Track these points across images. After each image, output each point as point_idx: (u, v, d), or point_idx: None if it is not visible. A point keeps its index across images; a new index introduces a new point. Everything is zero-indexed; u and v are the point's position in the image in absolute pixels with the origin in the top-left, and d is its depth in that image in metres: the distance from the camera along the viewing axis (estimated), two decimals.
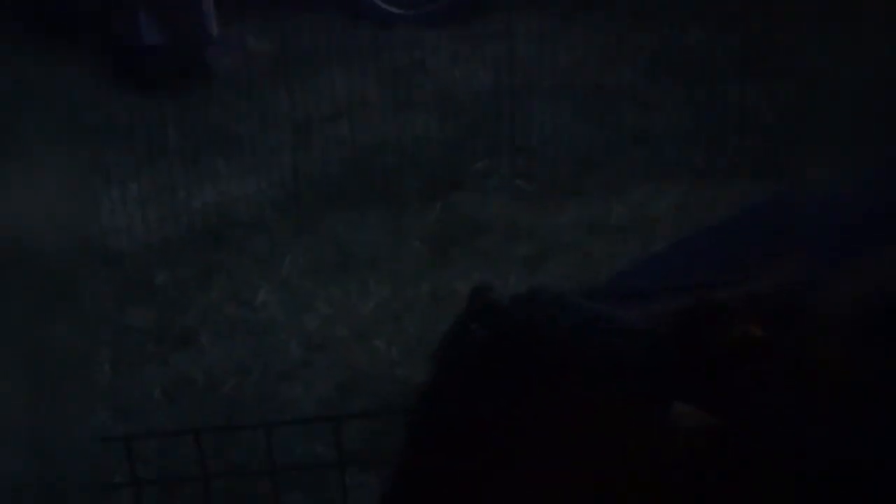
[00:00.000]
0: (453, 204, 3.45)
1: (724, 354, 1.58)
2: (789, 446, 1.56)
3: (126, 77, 4.29)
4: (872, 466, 1.44)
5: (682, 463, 1.72)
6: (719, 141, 3.57)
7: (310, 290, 3.11)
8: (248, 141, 3.88)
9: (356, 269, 3.19)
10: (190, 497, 2.04)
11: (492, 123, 3.85)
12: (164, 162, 3.77)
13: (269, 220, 3.47)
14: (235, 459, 2.33)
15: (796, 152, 3.18)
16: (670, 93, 3.91)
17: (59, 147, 3.76)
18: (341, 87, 4.20)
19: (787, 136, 3.36)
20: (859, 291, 1.50)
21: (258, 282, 3.16)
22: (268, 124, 3.98)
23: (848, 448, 1.49)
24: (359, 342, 2.87)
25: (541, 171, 3.58)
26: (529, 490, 1.79)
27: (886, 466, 1.40)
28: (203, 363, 2.87)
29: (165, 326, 3.04)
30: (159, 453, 2.29)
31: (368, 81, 4.25)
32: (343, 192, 3.58)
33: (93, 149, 3.85)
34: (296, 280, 3.16)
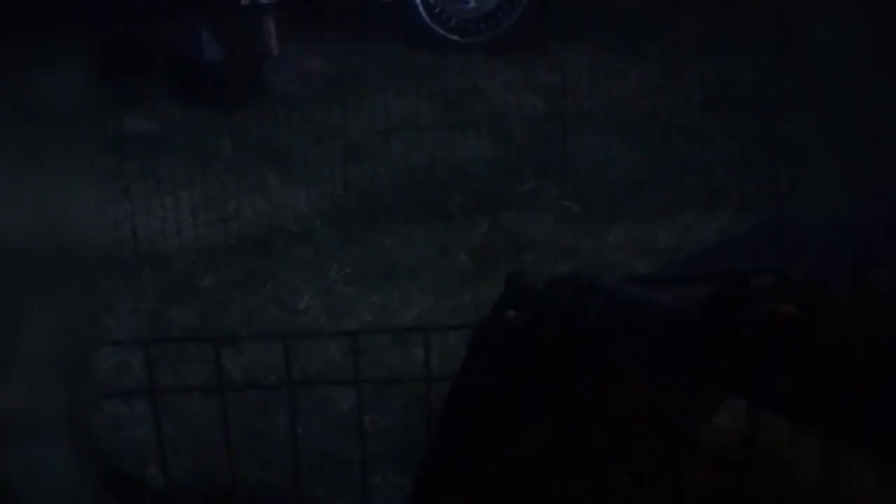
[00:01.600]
0: (499, 221, 3.46)
1: (757, 332, 1.57)
2: (821, 422, 1.54)
3: (186, 91, 4.37)
4: None
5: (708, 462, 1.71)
6: (769, 171, 3.56)
7: (352, 298, 3.13)
8: (301, 155, 3.92)
9: (400, 279, 3.21)
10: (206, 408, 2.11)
11: (542, 147, 3.87)
12: (217, 172, 3.83)
13: (317, 231, 3.51)
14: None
15: (842, 182, 3.17)
16: (722, 123, 3.91)
17: (115, 156, 3.84)
18: (395, 108, 4.25)
19: (834, 166, 3.34)
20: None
21: (302, 287, 3.19)
22: (321, 140, 4.03)
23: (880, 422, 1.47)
24: (398, 348, 2.88)
25: (588, 193, 3.59)
26: (557, 471, 1.78)
27: None
28: (242, 362, 2.89)
29: (207, 326, 3.07)
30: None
31: (423, 104, 4.29)
32: (391, 206, 3.61)
33: (148, 158, 3.91)
34: (339, 287, 3.18)
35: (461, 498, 1.65)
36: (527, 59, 4.52)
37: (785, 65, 3.98)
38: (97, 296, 2.98)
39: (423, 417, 2.16)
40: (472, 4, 4.69)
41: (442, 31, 4.71)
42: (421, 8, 4.69)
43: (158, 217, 3.55)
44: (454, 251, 3.33)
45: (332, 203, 3.65)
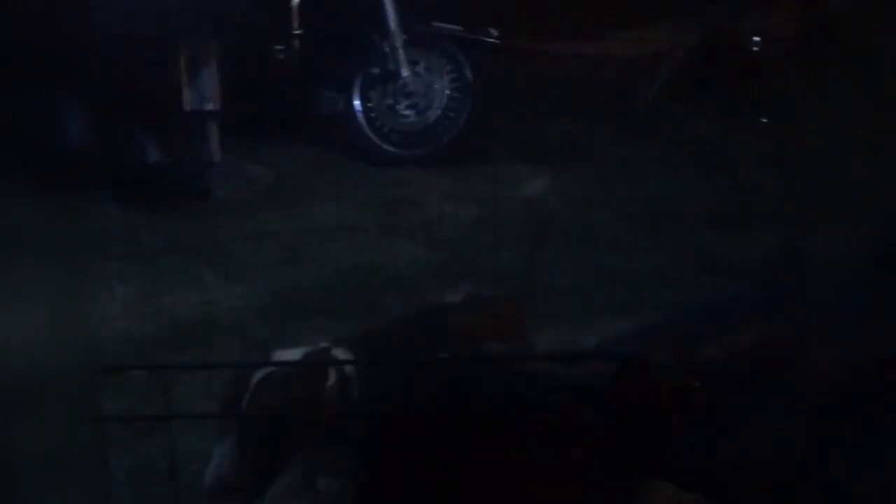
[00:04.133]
0: None
1: (656, 403, 1.67)
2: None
3: (127, 193, 4.42)
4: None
5: None
6: (693, 281, 3.68)
7: None
8: (239, 255, 3.99)
9: None
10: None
11: (476, 253, 3.96)
12: (154, 268, 3.88)
13: (250, 326, 3.55)
14: None
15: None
16: (649, 237, 4.05)
17: (54, 257, 3.87)
18: (332, 214, 4.36)
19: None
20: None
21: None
22: (258, 241, 4.11)
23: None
24: None
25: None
26: None
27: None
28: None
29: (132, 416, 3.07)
30: None
31: (358, 210, 4.40)
32: (323, 306, 3.66)
33: (86, 258, 3.95)
34: None
35: None
36: (462, 171, 4.65)
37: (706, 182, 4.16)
38: None
39: None
40: (412, 118, 4.82)
41: (381, 144, 4.82)
42: (361, 120, 4.81)
43: (94, 311, 3.58)
44: None
45: (268, 301, 3.71)
